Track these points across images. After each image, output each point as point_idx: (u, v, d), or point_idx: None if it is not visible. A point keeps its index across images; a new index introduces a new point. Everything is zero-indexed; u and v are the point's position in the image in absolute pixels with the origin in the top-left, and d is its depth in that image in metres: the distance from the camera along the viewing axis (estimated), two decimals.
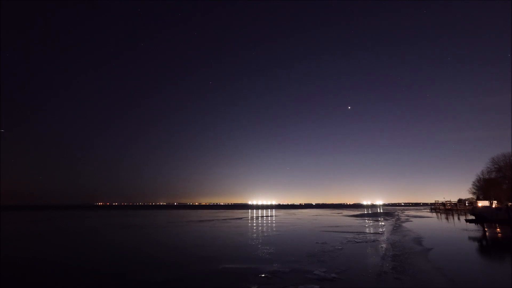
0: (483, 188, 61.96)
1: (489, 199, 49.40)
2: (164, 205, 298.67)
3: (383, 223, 34.09)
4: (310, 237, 20.27)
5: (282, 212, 78.90)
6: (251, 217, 51.42)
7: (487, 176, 61.19)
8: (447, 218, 44.36)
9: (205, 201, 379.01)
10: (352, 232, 23.11)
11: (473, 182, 68.84)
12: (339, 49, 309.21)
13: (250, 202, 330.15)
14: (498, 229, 25.64)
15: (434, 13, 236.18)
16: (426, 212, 69.86)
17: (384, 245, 16.13)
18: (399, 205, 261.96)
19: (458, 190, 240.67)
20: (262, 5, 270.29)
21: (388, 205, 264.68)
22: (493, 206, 40.06)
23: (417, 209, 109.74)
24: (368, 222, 37.00)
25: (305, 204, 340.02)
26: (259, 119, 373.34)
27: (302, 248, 15.11)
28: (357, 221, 38.89)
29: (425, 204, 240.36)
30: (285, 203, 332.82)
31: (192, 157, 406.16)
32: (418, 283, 8.54)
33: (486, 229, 24.62)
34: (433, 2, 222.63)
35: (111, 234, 23.42)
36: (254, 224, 33.57)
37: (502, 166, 54.86)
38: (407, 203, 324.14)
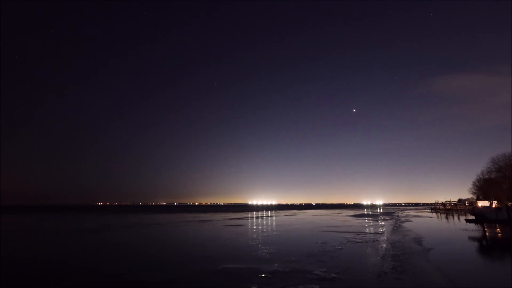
0: (483, 188, 61.96)
1: (489, 199, 49.42)
2: (164, 205, 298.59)
3: (383, 223, 34.07)
4: (310, 237, 20.26)
5: (282, 212, 78.87)
6: (251, 217, 51.40)
7: (487, 176, 61.22)
8: (447, 218, 44.33)
9: (205, 201, 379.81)
10: (352, 232, 23.10)
11: (473, 182, 69.01)
12: (342, 50, 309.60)
13: (250, 202, 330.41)
14: (498, 229, 25.63)
15: (438, 14, 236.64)
16: (426, 212, 69.82)
17: (384, 245, 16.12)
18: (399, 205, 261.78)
19: (458, 190, 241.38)
20: (264, 6, 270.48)
21: (388, 205, 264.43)
22: (493, 206, 40.05)
23: (417, 209, 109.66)
24: (368, 222, 36.98)
25: (305, 204, 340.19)
26: (259, 120, 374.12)
27: (302, 248, 15.10)
28: (357, 221, 38.87)
29: (425, 204, 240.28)
30: (285, 203, 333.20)
31: (192, 157, 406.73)
32: (418, 283, 8.53)
33: (486, 229, 24.60)
34: (438, 2, 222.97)
35: (111, 234, 23.41)
36: (254, 224, 33.56)
37: (502, 166, 54.82)
38: (407, 203, 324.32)
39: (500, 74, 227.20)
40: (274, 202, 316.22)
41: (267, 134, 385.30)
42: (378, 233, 22.76)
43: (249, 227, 30.08)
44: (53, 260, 12.87)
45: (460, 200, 73.92)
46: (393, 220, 40.43)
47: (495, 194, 52.37)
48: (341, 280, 8.91)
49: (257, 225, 32.72)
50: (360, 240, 18.16)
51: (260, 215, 57.52)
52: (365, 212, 72.80)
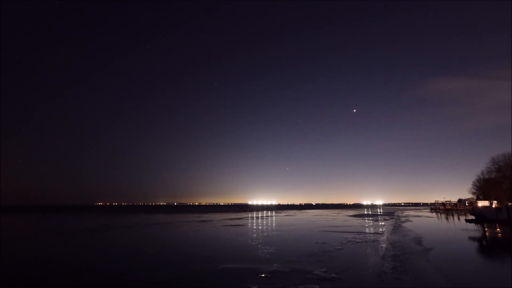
0: (483, 188, 61.98)
1: (489, 199, 49.42)
2: (164, 205, 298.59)
3: (383, 223, 34.07)
4: (310, 237, 20.26)
5: (282, 212, 78.86)
6: (251, 217, 51.40)
7: (487, 176, 61.23)
8: (447, 218, 44.33)
9: (205, 201, 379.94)
10: (352, 232, 23.10)
11: (473, 182, 69.08)
12: (342, 50, 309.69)
13: (250, 202, 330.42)
14: (498, 229, 25.63)
15: (438, 14, 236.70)
16: (426, 212, 69.82)
17: (384, 245, 16.12)
18: (399, 205, 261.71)
19: (458, 190, 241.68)
20: (264, 6, 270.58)
21: (388, 205, 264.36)
22: (493, 206, 40.04)
23: (417, 209, 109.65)
24: (368, 222, 36.98)
25: (305, 204, 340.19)
26: (259, 120, 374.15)
27: (302, 248, 15.10)
28: (357, 221, 38.87)
29: (425, 204, 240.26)
30: (285, 203, 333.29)
31: (192, 157, 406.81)
32: (418, 283, 8.53)
33: (486, 229, 24.61)
34: (438, 2, 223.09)
35: (111, 234, 23.41)
36: (254, 224, 33.56)
37: (502, 166, 54.82)
38: (407, 203, 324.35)
39: (501, 74, 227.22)
40: (274, 202, 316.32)
41: (267, 134, 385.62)
42: (378, 233, 22.76)
43: (249, 227, 30.07)
44: (53, 260, 12.87)
45: (460, 200, 73.91)
46: (393, 220, 40.42)
47: (495, 194, 52.37)
48: (341, 280, 8.90)
49: (257, 225, 32.72)
50: (360, 240, 18.15)
51: (260, 215, 57.51)
52: (365, 212, 72.79)
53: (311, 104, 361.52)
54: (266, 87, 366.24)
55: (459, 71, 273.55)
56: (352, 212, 72.34)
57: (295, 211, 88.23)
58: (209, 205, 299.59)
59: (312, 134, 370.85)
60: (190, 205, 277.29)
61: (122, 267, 11.14)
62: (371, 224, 33.50)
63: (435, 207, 77.75)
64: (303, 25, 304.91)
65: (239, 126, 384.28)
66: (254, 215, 57.60)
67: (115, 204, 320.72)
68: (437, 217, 47.68)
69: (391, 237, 20.20)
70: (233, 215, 57.65)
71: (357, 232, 23.12)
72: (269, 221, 38.89)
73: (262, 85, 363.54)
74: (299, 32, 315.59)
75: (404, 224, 32.08)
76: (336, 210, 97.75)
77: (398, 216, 52.07)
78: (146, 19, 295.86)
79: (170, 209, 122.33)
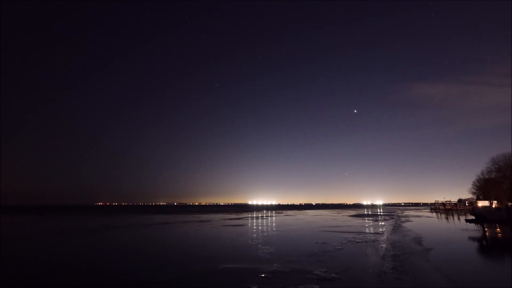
0: (483, 188, 61.99)
1: (489, 199, 49.39)
2: (164, 205, 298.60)
3: (383, 223, 34.07)
4: (310, 237, 20.26)
5: (282, 212, 78.86)
6: (251, 217, 51.40)
7: (487, 176, 61.26)
8: (447, 218, 44.34)
9: (205, 201, 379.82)
10: (352, 232, 23.10)
11: (473, 182, 69.09)
12: (342, 50, 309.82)
13: (250, 202, 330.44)
14: (498, 229, 25.63)
15: (439, 14, 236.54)
16: (426, 212, 69.82)
17: (384, 245, 16.12)
18: (399, 205, 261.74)
19: (458, 190, 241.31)
20: (264, 6, 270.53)
21: (388, 205, 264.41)
22: (493, 206, 40.04)
23: (417, 209, 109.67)
24: (368, 222, 36.98)
25: (305, 204, 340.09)
26: (259, 120, 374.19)
27: (302, 248, 15.10)
28: (357, 221, 38.87)
29: (425, 204, 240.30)
30: (285, 203, 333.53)
31: (192, 157, 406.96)
32: (418, 283, 8.53)
33: (486, 229, 24.61)
34: (438, 2, 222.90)
35: (111, 234, 23.42)
36: (254, 224, 33.56)
37: (502, 166, 54.84)
38: (407, 203, 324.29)
39: (501, 74, 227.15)
40: (274, 202, 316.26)
41: (267, 134, 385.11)
42: (378, 233, 22.76)
43: (249, 227, 30.07)
44: (53, 260, 12.87)
45: (460, 200, 73.97)
46: (393, 220, 40.43)
47: (495, 194, 52.37)
48: (341, 280, 8.91)
49: (257, 225, 32.72)
50: (360, 240, 18.16)
51: (260, 215, 57.51)
52: (365, 212, 72.80)
53: (311, 104, 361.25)
54: (266, 87, 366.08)
55: (459, 70, 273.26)
56: (352, 212, 72.34)
57: (295, 211, 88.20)
58: (209, 205, 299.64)
59: (312, 134, 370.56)
60: (190, 205, 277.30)
61: (122, 267, 11.14)
62: (371, 224, 33.50)
63: (435, 207, 77.77)
64: (303, 25, 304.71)
65: (239, 126, 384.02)
66: (254, 215, 57.59)
67: (115, 204, 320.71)
68: (437, 217, 47.69)
69: (391, 237, 20.20)
70: (233, 215, 57.65)
71: (357, 232, 23.12)
72: (269, 221, 38.88)
73: (262, 85, 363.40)
74: (299, 32, 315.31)
75: (404, 224, 32.09)
76: (336, 210, 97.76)
77: (398, 216, 52.08)
78: (146, 19, 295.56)
79: (170, 209, 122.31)
